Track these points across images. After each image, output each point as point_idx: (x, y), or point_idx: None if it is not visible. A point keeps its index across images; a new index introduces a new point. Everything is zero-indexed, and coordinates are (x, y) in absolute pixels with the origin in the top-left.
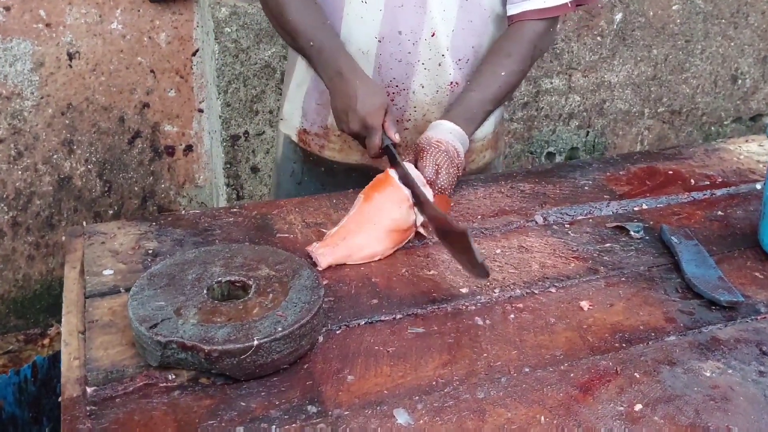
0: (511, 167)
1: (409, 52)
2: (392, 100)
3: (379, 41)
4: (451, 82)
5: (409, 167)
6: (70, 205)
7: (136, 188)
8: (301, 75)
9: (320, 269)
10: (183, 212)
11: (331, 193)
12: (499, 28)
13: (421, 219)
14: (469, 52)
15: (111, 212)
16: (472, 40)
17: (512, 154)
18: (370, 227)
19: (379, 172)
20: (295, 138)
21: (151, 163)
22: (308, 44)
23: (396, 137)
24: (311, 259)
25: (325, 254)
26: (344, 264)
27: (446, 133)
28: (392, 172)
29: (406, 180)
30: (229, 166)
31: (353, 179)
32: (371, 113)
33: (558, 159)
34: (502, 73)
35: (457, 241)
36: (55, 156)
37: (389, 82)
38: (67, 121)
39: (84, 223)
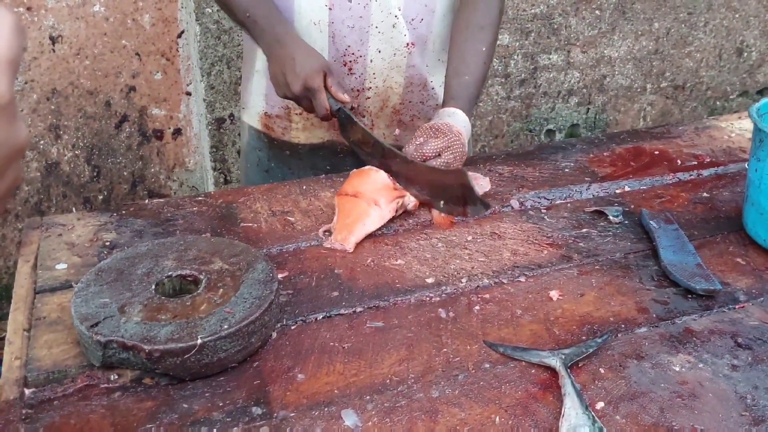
0: (509, 146)
1: (361, 16)
2: (350, 69)
3: (330, 9)
4: (407, 43)
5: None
6: (59, 191)
7: (125, 173)
8: (261, 61)
9: (350, 251)
10: (147, 202)
11: (300, 178)
12: None
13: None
14: (423, 11)
15: (101, 197)
16: None
17: (510, 133)
18: (361, 201)
19: (346, 147)
20: (258, 125)
21: (140, 147)
22: (245, 15)
23: (345, 97)
24: (327, 245)
25: (345, 237)
26: (310, 254)
27: (462, 126)
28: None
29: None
30: (215, 149)
31: (321, 158)
32: (310, 75)
33: (558, 136)
34: (483, 49)
35: (453, 181)
36: (41, 142)
37: (345, 50)
38: (52, 107)
39: (74, 209)
